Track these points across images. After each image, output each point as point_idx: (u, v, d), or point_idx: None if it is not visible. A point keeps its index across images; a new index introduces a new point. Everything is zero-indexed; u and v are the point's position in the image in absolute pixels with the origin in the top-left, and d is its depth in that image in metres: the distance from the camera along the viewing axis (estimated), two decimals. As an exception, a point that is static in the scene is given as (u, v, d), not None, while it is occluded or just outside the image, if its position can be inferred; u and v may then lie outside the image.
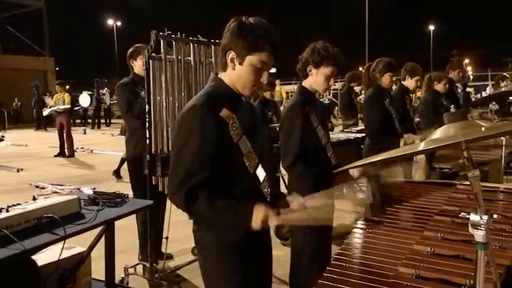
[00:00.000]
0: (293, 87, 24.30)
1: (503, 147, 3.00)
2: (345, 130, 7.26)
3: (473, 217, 1.10)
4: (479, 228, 1.09)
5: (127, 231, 4.21)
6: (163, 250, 3.93)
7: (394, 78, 4.67)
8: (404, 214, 2.26)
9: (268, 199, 1.96)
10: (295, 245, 2.97)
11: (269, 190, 1.98)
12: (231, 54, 1.82)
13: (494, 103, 6.12)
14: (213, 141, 1.75)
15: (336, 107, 15.78)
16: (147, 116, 3.39)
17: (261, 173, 1.91)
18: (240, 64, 1.82)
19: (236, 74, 1.84)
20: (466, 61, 57.06)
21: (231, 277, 1.85)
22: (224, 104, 1.81)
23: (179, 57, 3.50)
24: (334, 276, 1.60)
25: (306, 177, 2.72)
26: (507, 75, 10.49)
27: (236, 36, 1.78)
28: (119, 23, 43.57)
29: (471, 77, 39.43)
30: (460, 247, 1.75)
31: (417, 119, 7.03)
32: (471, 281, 1.42)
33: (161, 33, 3.36)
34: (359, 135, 5.50)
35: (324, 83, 2.77)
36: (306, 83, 2.85)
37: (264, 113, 5.75)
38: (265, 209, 1.73)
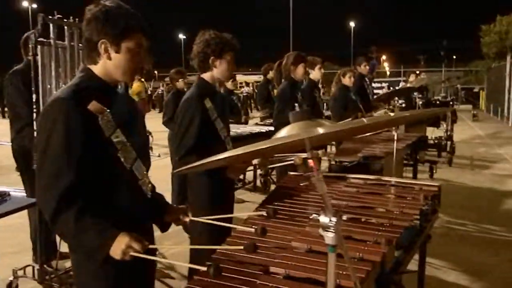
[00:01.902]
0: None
1: (395, 142, 3.10)
2: (260, 123, 7.31)
3: (323, 219, 1.07)
4: (329, 230, 1.06)
5: (23, 231, 3.92)
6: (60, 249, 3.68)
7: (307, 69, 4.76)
8: (293, 208, 2.25)
9: (149, 195, 1.87)
10: (192, 241, 2.90)
11: (150, 185, 1.89)
12: (104, 44, 1.69)
13: (396, 98, 6.47)
14: (80, 136, 1.61)
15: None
16: (34, 106, 3.12)
17: (139, 168, 1.80)
18: (117, 52, 1.70)
19: (113, 63, 1.72)
20: (384, 57, 60.20)
21: None
22: (93, 96, 1.68)
23: (72, 43, 3.26)
24: (205, 279, 1.52)
25: (201, 171, 2.66)
26: (417, 72, 11.14)
27: (104, 24, 1.66)
28: (34, 6, 40.85)
29: (388, 72, 41.69)
30: (337, 243, 1.75)
31: (328, 113, 7.25)
32: (338, 280, 1.42)
33: (50, 17, 3.10)
34: (271, 128, 5.52)
35: (228, 70, 2.79)
36: (205, 75, 2.79)
37: (177, 105, 5.60)
38: (128, 239, 1.59)
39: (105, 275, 1.73)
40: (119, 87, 3.23)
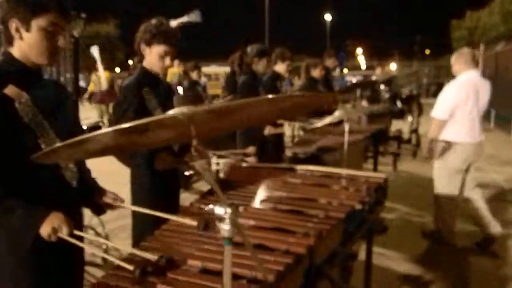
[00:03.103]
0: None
1: (346, 134, 3.08)
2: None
3: (218, 210, 1.02)
4: (224, 222, 1.01)
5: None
6: None
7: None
8: (232, 200, 2.20)
9: (74, 184, 1.80)
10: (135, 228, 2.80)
11: (77, 174, 1.81)
12: (14, 23, 1.62)
13: (359, 89, 6.51)
14: None
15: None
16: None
17: None
18: (28, 31, 1.64)
19: (26, 44, 1.66)
20: (360, 51, 60.74)
21: None
22: (11, 80, 1.62)
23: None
24: (119, 274, 1.46)
25: (139, 157, 2.57)
26: (383, 65, 11.24)
27: (14, 3, 1.59)
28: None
29: (365, 66, 42.03)
30: (265, 235, 1.71)
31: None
32: (254, 272, 1.38)
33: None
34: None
35: (159, 62, 2.59)
36: (145, 63, 2.68)
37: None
38: (59, 218, 1.57)
39: (24, 274, 1.66)
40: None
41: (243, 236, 1.07)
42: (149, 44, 2.56)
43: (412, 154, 8.66)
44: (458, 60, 4.30)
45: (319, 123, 3.52)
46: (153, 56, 2.59)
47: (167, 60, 2.59)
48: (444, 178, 4.39)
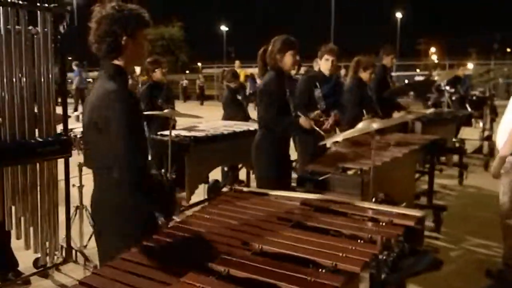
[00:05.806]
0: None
1: (372, 152, 2.30)
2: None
3: None
4: None
5: None
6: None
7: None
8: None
9: None
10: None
11: None
12: None
13: (412, 92, 5.56)
14: None
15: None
16: None
17: None
18: None
19: None
20: (433, 49, 57.72)
21: None
22: None
23: None
24: None
25: None
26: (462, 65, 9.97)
27: None
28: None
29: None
30: None
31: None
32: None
33: None
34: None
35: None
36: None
37: (152, 98, 4.93)
38: None
39: None
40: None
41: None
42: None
43: (483, 165, 7.48)
44: None
45: (340, 136, 2.74)
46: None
47: None
48: None
